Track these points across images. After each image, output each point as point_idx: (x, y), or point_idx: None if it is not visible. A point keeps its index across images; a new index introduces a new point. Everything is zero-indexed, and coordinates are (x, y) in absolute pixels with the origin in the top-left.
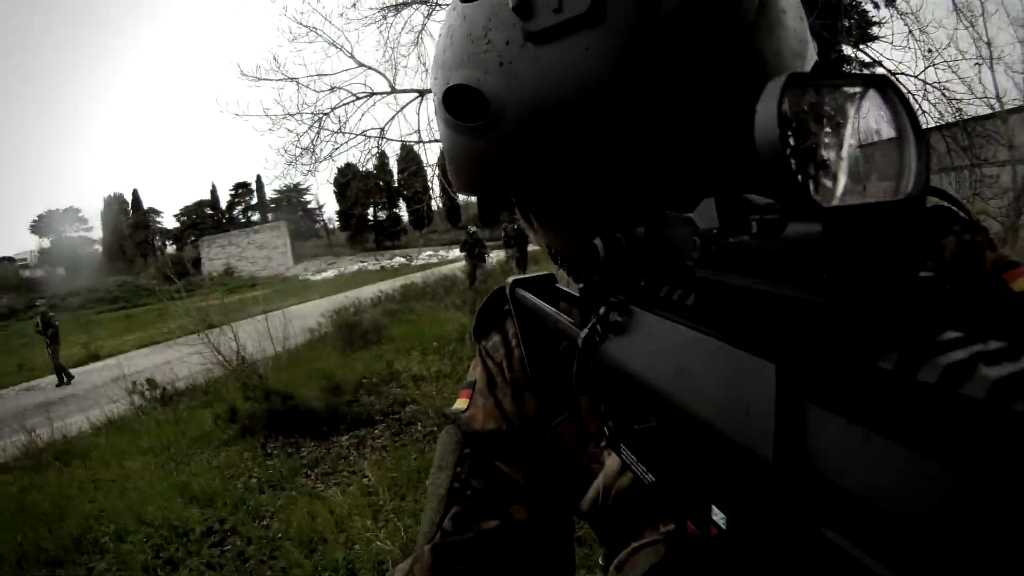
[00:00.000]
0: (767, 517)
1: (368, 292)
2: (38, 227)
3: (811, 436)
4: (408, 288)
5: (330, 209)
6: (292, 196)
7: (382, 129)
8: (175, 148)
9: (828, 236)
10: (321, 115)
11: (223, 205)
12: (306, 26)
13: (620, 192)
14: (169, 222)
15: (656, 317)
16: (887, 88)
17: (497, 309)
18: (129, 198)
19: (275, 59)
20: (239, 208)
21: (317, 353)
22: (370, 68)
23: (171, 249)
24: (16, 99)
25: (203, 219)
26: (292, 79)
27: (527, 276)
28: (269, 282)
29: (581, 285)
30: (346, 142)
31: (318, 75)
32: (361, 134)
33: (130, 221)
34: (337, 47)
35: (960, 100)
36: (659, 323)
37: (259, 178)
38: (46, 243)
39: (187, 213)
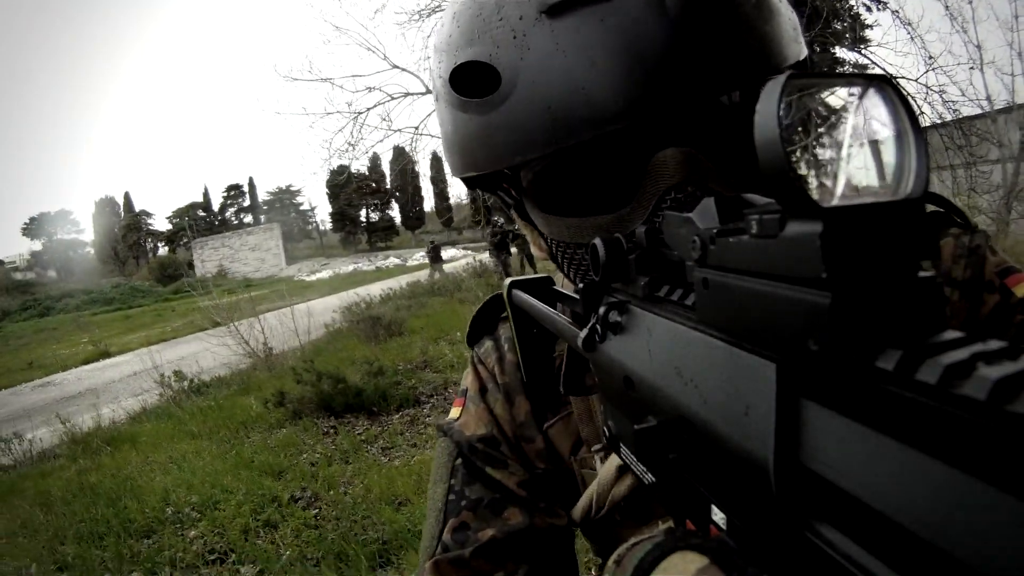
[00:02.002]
0: (767, 517)
1: (375, 289)
2: (30, 230)
3: (811, 436)
4: (415, 285)
5: (322, 211)
6: (284, 198)
7: (416, 127)
8: (167, 150)
9: (828, 236)
10: (358, 113)
11: (215, 207)
12: (337, 27)
13: (632, 162)
14: (161, 224)
15: (656, 317)
16: (887, 88)
17: (492, 315)
18: (121, 200)
19: (309, 61)
20: (231, 210)
21: (340, 344)
22: (404, 70)
23: (163, 251)
24: (7, 102)
25: (195, 221)
26: (327, 79)
27: (525, 278)
28: (265, 283)
29: (580, 286)
30: (382, 140)
31: (354, 76)
32: (398, 131)
33: (122, 223)
34: (371, 49)
35: (956, 103)
36: (659, 323)
37: (251, 180)
38: (37, 246)
39: (179, 215)
